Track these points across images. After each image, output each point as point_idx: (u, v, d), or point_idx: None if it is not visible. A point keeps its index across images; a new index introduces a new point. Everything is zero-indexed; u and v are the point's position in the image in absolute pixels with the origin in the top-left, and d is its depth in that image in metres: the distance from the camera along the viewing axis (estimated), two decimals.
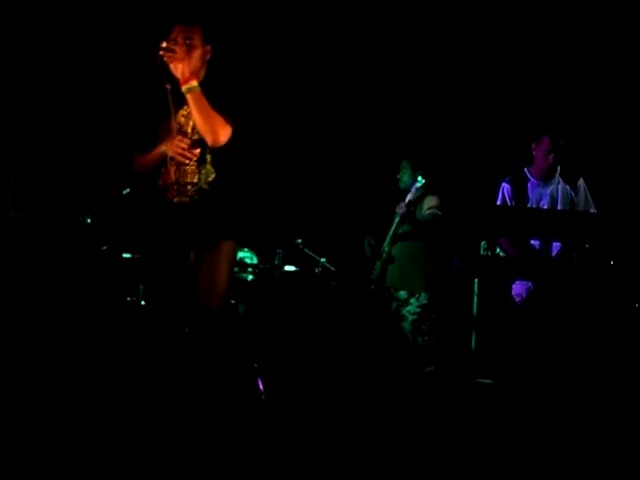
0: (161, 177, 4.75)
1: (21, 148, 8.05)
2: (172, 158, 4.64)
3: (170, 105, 4.57)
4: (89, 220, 7.59)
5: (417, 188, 6.73)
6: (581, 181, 6.37)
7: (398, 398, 6.22)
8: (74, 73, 8.06)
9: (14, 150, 8.01)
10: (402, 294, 6.80)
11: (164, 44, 4.56)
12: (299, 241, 7.76)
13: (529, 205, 6.29)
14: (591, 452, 4.72)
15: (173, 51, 4.57)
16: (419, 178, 6.73)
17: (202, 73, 4.75)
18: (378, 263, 6.91)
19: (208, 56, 4.77)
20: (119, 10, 7.83)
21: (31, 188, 8.09)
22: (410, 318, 6.72)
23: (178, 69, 4.58)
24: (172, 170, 4.68)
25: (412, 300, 6.73)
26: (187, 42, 4.66)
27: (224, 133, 4.59)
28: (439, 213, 6.77)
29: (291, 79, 8.32)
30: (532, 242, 6.23)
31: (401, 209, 6.75)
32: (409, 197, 6.77)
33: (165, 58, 4.56)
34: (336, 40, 8.22)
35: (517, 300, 6.17)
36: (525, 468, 4.49)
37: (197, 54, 4.70)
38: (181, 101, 4.64)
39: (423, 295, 6.72)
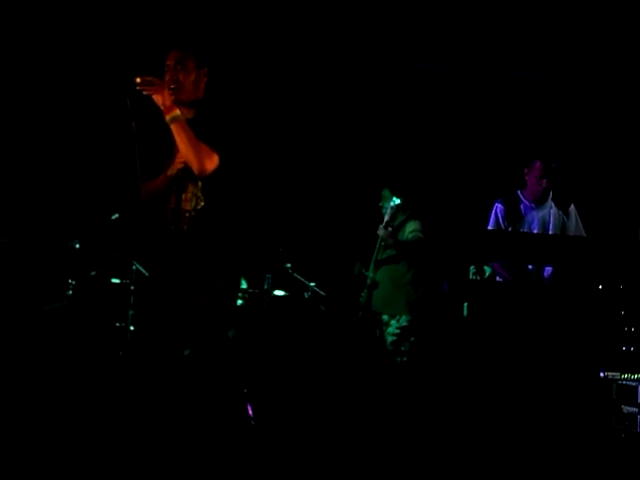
0: (164, 204, 4.76)
1: (9, 173, 8.04)
2: (173, 185, 4.65)
3: (135, 144, 4.58)
4: (78, 245, 7.58)
5: (392, 207, 6.83)
6: (572, 207, 6.38)
7: (384, 421, 6.22)
8: (62, 99, 8.07)
9: (1, 175, 8.00)
10: (385, 317, 6.86)
11: (138, 79, 4.55)
12: (288, 265, 7.76)
13: (521, 227, 6.30)
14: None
15: (150, 83, 4.56)
16: (394, 198, 6.81)
17: (199, 95, 4.75)
18: (365, 289, 6.96)
19: (205, 79, 4.77)
20: (115, 34, 7.85)
21: (19, 213, 8.07)
22: (389, 339, 6.79)
23: (159, 100, 4.57)
24: (172, 197, 4.68)
25: (392, 322, 6.82)
26: (178, 67, 4.66)
27: (210, 162, 4.57)
28: (421, 236, 6.83)
29: (281, 105, 8.34)
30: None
31: (380, 230, 6.83)
32: (386, 218, 6.86)
33: (144, 92, 4.55)
34: (323, 66, 8.26)
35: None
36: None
37: (190, 79, 4.70)
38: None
39: (403, 317, 6.80)
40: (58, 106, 8.08)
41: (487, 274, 6.30)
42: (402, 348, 6.75)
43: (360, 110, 8.45)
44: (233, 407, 5.48)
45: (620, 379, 5.56)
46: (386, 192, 7.08)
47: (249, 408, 5.72)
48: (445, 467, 4.94)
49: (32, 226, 8.12)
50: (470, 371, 5.73)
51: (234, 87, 7.40)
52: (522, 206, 6.36)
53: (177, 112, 4.57)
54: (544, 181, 6.26)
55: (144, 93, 4.54)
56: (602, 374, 5.57)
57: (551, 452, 5.16)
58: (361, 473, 4.75)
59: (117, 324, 7.42)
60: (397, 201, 6.81)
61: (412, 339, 6.76)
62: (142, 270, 7.52)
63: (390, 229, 6.82)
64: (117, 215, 7.65)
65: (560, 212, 6.36)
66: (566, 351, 5.64)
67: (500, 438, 5.28)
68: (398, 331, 6.78)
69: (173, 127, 4.55)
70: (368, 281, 6.92)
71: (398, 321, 6.80)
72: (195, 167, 4.56)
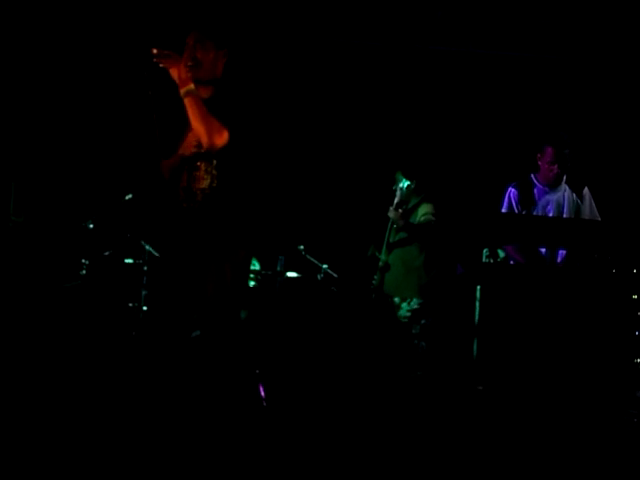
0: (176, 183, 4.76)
1: (23, 153, 8.05)
2: (185, 163, 4.67)
3: (152, 110, 4.60)
4: (91, 226, 7.60)
5: (401, 189, 6.79)
6: (586, 190, 6.37)
7: (396, 404, 6.22)
8: (78, 79, 8.07)
9: (16, 155, 8.02)
10: (397, 300, 6.86)
11: (155, 50, 4.56)
12: (301, 247, 7.76)
13: (535, 210, 6.29)
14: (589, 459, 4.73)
15: (167, 56, 4.57)
16: (403, 180, 6.79)
17: (217, 75, 4.76)
18: (377, 271, 6.95)
19: (224, 60, 4.78)
20: (132, 15, 7.84)
21: (33, 193, 8.10)
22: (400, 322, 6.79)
23: (174, 73, 4.59)
24: (184, 176, 4.69)
25: (403, 305, 6.81)
26: (198, 46, 4.67)
27: (219, 137, 4.57)
28: (433, 219, 6.81)
29: (294, 87, 8.32)
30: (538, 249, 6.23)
31: (391, 212, 6.81)
32: (396, 200, 6.82)
33: (161, 64, 4.56)
34: (336, 48, 8.24)
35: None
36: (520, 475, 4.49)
37: (209, 58, 4.70)
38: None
39: (414, 300, 6.79)
40: (74, 85, 8.08)
41: (500, 257, 6.30)
42: (413, 331, 6.75)
43: (374, 92, 8.43)
44: (245, 388, 5.50)
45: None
46: (399, 175, 7.06)
47: (261, 389, 5.73)
48: (458, 451, 4.94)
49: (47, 206, 8.14)
50: (482, 354, 5.73)
51: (251, 69, 7.43)
52: (536, 190, 6.35)
53: (192, 86, 4.58)
54: (555, 167, 6.26)
55: (160, 65, 4.55)
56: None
57: (566, 439, 5.16)
58: (373, 455, 4.77)
59: (130, 304, 7.44)
60: (406, 183, 6.79)
61: (423, 322, 6.76)
62: (153, 251, 7.54)
63: (400, 211, 6.80)
64: (131, 195, 7.65)
65: (574, 195, 6.35)
66: (579, 335, 5.64)
67: (512, 422, 5.29)
68: (409, 314, 6.77)
69: (186, 101, 4.57)
70: (380, 263, 6.91)
71: (409, 304, 6.79)
72: (204, 141, 4.57)
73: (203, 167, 4.66)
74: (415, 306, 6.78)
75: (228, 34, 4.81)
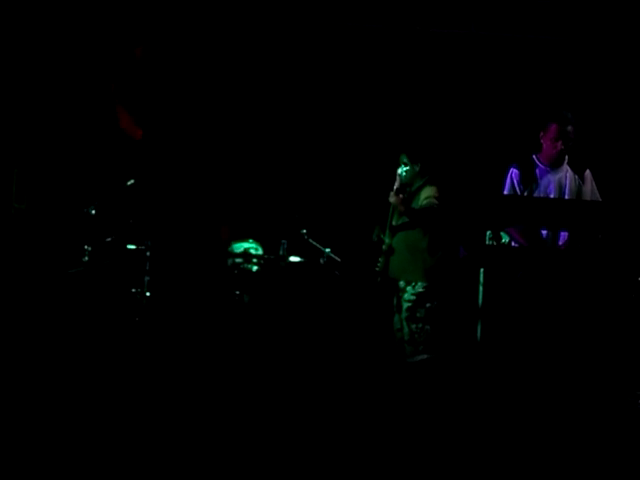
0: None
1: (25, 140, 8.04)
2: None
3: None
4: (94, 211, 7.58)
5: (400, 175, 6.79)
6: (588, 172, 6.37)
7: (398, 388, 6.22)
8: (78, 66, 8.06)
9: (18, 142, 8.01)
10: (401, 284, 6.84)
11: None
12: (304, 231, 7.74)
13: (537, 191, 6.28)
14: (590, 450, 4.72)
15: None
16: (402, 165, 6.79)
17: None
18: (382, 255, 6.93)
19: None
20: (119, 9, 7.84)
21: (35, 180, 8.09)
22: (405, 305, 6.76)
23: None
24: None
25: (408, 288, 6.77)
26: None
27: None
28: (436, 203, 6.78)
29: (295, 71, 8.29)
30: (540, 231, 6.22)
31: (392, 197, 6.79)
32: (396, 185, 6.81)
33: None
34: (337, 30, 8.21)
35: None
36: (523, 463, 4.49)
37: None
38: None
39: (419, 284, 6.75)
40: (74, 71, 8.06)
41: (504, 240, 6.28)
42: (417, 314, 6.72)
43: (376, 76, 8.40)
44: (247, 374, 5.50)
45: None
46: (403, 158, 7.03)
47: None
48: (461, 438, 4.94)
49: (48, 192, 8.13)
50: (486, 338, 5.73)
51: (254, 54, 7.43)
52: (537, 170, 6.34)
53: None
54: (559, 143, 6.25)
55: None
56: None
57: (570, 424, 5.15)
58: (377, 445, 4.76)
59: (133, 290, 7.43)
60: (405, 168, 6.78)
61: (428, 305, 6.74)
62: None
63: (401, 196, 6.78)
64: (133, 181, 7.64)
65: (576, 176, 6.34)
66: (583, 318, 5.63)
67: (516, 406, 5.28)
68: (414, 297, 6.75)
69: None
70: (384, 247, 6.89)
71: (414, 287, 6.78)
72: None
73: None
74: (420, 289, 6.76)
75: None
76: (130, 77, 4.65)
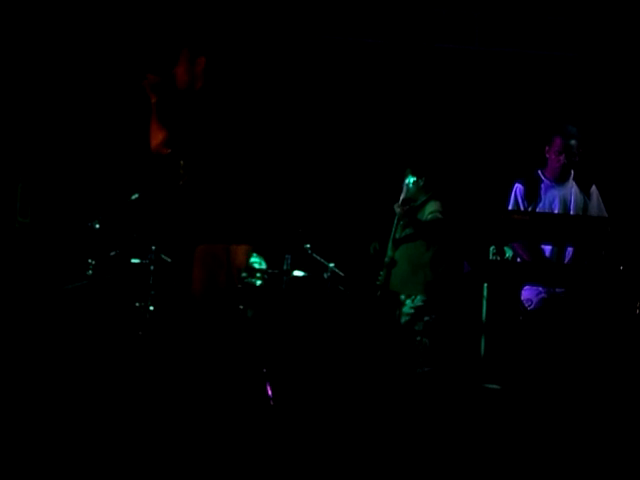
0: None
1: (29, 154, 8.06)
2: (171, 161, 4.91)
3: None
4: (97, 226, 7.60)
5: (407, 186, 6.81)
6: (594, 188, 6.35)
7: (403, 402, 6.21)
8: (83, 80, 8.08)
9: (22, 156, 8.03)
10: (402, 297, 6.86)
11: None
12: (308, 246, 7.75)
13: (541, 206, 6.26)
14: (595, 458, 4.70)
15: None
16: (409, 177, 6.81)
17: (197, 84, 4.96)
18: (384, 268, 6.95)
19: (200, 68, 4.93)
20: (131, 19, 7.88)
21: (39, 194, 8.10)
22: (404, 319, 6.79)
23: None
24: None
25: (407, 301, 6.82)
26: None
27: (153, 139, 4.85)
28: (440, 217, 6.80)
29: (299, 84, 8.32)
30: (546, 247, 6.20)
31: (397, 207, 6.82)
32: (402, 196, 6.84)
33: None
34: (342, 45, 8.23)
35: (527, 305, 6.14)
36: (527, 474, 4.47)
37: (181, 70, 4.97)
38: None
39: (418, 297, 6.79)
40: (79, 85, 8.09)
41: (507, 255, 6.27)
42: (416, 328, 6.74)
43: (380, 90, 8.42)
44: (252, 387, 5.49)
45: None
46: (409, 172, 7.06)
47: (268, 388, 5.73)
48: (462, 448, 4.93)
49: (53, 206, 8.14)
50: (489, 351, 5.72)
51: (263, 67, 7.46)
52: (542, 185, 6.32)
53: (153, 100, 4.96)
54: (562, 157, 6.22)
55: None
56: None
57: (571, 437, 5.14)
58: (379, 452, 4.75)
59: (137, 304, 7.44)
60: (412, 179, 6.81)
61: (426, 319, 6.76)
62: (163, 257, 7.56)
63: (407, 207, 6.79)
64: (137, 195, 7.66)
65: (582, 192, 6.32)
66: (587, 333, 5.62)
67: (519, 420, 5.27)
68: (412, 311, 6.78)
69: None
70: (386, 259, 6.90)
71: (413, 301, 6.80)
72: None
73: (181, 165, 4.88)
74: (419, 303, 6.79)
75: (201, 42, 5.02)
76: (170, 95, 4.81)
